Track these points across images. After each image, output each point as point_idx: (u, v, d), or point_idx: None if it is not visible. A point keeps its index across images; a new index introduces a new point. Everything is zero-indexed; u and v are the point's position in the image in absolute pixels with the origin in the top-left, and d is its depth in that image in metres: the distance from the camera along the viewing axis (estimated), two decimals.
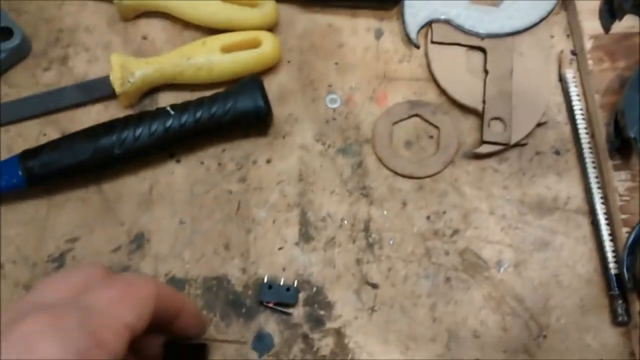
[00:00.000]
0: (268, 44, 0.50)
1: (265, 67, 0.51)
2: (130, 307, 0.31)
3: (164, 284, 0.36)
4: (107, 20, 0.54)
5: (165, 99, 0.51)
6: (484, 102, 0.50)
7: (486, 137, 0.49)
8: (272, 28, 0.53)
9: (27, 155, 0.47)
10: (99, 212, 0.48)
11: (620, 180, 0.47)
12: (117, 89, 0.49)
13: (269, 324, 0.45)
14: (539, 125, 0.50)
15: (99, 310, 0.29)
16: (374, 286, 0.46)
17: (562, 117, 0.51)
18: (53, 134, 0.50)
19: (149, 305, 0.32)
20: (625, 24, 0.51)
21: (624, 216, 0.46)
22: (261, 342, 0.44)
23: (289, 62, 0.53)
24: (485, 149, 0.49)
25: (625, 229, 0.45)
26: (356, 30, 0.54)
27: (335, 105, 0.51)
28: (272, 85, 0.52)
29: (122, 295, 0.31)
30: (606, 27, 0.51)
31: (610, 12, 0.51)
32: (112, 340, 0.29)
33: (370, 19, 0.54)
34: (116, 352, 0.29)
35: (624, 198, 0.46)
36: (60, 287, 0.31)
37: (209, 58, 0.50)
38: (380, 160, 0.49)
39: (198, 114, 0.47)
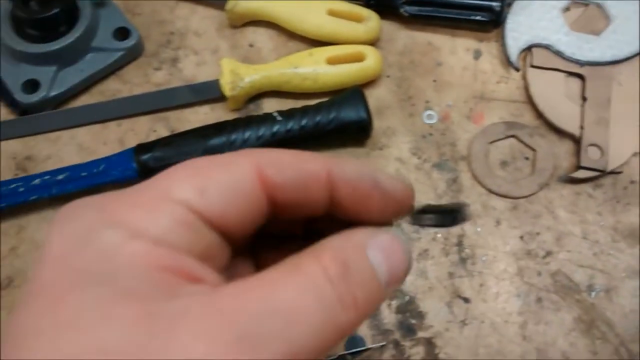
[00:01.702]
0: (372, 59, 0.52)
1: (366, 81, 0.53)
2: (185, 177, 0.21)
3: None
4: (216, 26, 0.57)
5: (269, 105, 0.54)
6: (581, 127, 0.51)
7: (583, 163, 0.50)
8: (373, 43, 0.55)
9: (142, 149, 0.49)
10: None
11: None
12: (227, 92, 0.51)
13: (362, 327, 0.46)
14: (634, 154, 0.51)
15: (134, 189, 0.21)
16: (466, 300, 0.47)
17: None
18: (162, 131, 0.53)
19: (231, 176, 0.21)
20: None
21: None
22: (353, 344, 0.46)
23: (388, 76, 0.54)
24: (581, 174, 0.49)
25: None
26: (455, 49, 0.55)
27: (432, 121, 0.53)
28: (371, 98, 0.53)
29: (178, 168, 0.21)
30: None
31: None
32: (145, 218, 0.20)
33: (469, 40, 0.55)
34: (158, 235, 0.19)
35: None
36: None
37: (315, 68, 0.52)
38: (475, 177, 0.50)
39: (303, 121, 0.49)
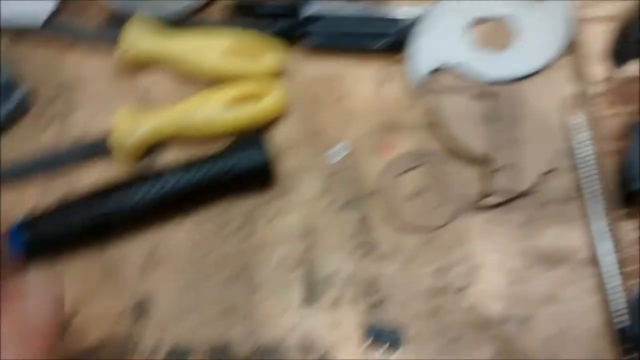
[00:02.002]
0: (273, 96, 0.50)
1: (269, 119, 0.51)
2: None
3: None
4: (109, 72, 0.54)
5: (168, 154, 0.51)
6: (491, 150, 0.49)
7: (494, 187, 0.48)
8: (276, 77, 0.52)
9: (28, 223, 0.46)
10: (101, 276, 0.48)
11: (627, 230, 0.46)
12: (119, 146, 0.49)
13: None
14: (547, 172, 0.49)
15: None
16: (383, 346, 0.45)
17: (571, 164, 0.50)
18: (55, 194, 0.50)
19: None
20: (633, 68, 0.51)
21: (631, 267, 0.45)
22: None
23: (293, 112, 0.52)
24: (492, 199, 0.48)
25: (633, 281, 0.45)
26: (361, 78, 0.53)
27: (340, 157, 0.51)
28: (276, 137, 0.51)
29: None
30: (613, 72, 0.51)
31: (617, 57, 0.51)
32: None
33: (375, 67, 0.54)
34: None
35: (632, 249, 0.46)
36: None
37: (212, 112, 0.50)
38: (386, 213, 0.49)
39: (200, 173, 0.47)
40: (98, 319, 0.47)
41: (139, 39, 0.52)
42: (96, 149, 0.50)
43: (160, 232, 0.49)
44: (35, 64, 0.55)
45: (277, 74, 0.53)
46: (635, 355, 0.44)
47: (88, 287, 0.48)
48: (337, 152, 0.51)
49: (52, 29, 0.54)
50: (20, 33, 0.55)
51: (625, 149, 0.47)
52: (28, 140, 0.52)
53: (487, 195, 0.49)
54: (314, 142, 0.51)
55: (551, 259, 0.48)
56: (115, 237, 0.49)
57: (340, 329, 0.46)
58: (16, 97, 0.52)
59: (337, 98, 0.53)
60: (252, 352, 0.45)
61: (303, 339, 0.46)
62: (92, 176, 0.51)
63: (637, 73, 0.50)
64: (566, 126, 0.51)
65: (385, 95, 0.53)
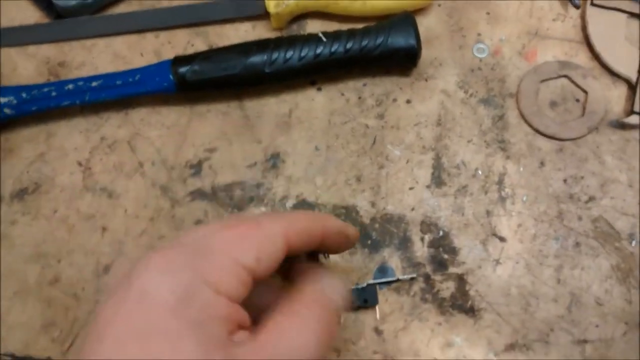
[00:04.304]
0: None
1: (417, 8, 0.51)
2: (249, 248, 0.29)
3: (299, 214, 0.33)
4: None
5: (312, 26, 0.52)
6: (639, 72, 0.48)
7: (637, 108, 0.47)
8: None
9: (180, 61, 0.48)
10: (238, 127, 0.49)
11: None
12: (272, 9, 0.49)
13: (393, 259, 0.45)
14: None
15: (212, 250, 0.29)
16: (502, 239, 0.46)
17: None
18: (200, 45, 0.51)
19: (274, 246, 0.30)
20: None
21: None
22: (383, 274, 0.45)
23: (439, 5, 0.52)
24: (634, 119, 0.47)
25: None
26: None
27: (482, 55, 0.50)
28: (421, 26, 0.51)
29: (241, 235, 0.29)
30: None
31: None
32: (224, 279, 0.28)
33: None
34: (229, 292, 0.28)
35: None
36: (198, 230, 0.31)
37: None
38: (522, 116, 0.49)
39: (349, 45, 0.47)
40: (233, 161, 0.48)
41: None
42: (248, 8, 0.51)
43: (300, 95, 0.50)
44: None
45: None
46: None
47: (226, 132, 0.49)
48: (481, 50, 0.50)
49: None
50: None
51: None
52: None
53: (627, 115, 0.48)
54: (458, 36, 0.51)
55: None
56: (259, 91, 0.50)
57: (462, 216, 0.46)
58: None
59: None
60: (375, 218, 0.46)
61: (425, 217, 0.46)
62: (240, 33, 0.51)
63: None
64: None
65: (535, 2, 0.52)
